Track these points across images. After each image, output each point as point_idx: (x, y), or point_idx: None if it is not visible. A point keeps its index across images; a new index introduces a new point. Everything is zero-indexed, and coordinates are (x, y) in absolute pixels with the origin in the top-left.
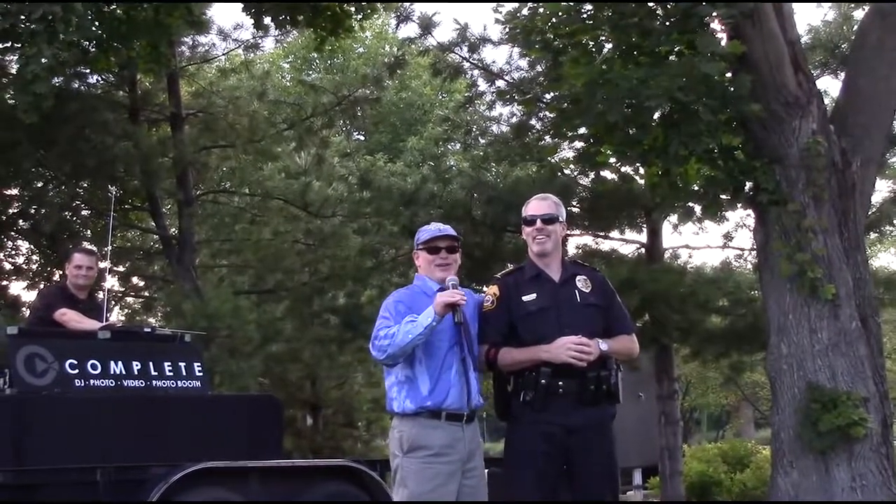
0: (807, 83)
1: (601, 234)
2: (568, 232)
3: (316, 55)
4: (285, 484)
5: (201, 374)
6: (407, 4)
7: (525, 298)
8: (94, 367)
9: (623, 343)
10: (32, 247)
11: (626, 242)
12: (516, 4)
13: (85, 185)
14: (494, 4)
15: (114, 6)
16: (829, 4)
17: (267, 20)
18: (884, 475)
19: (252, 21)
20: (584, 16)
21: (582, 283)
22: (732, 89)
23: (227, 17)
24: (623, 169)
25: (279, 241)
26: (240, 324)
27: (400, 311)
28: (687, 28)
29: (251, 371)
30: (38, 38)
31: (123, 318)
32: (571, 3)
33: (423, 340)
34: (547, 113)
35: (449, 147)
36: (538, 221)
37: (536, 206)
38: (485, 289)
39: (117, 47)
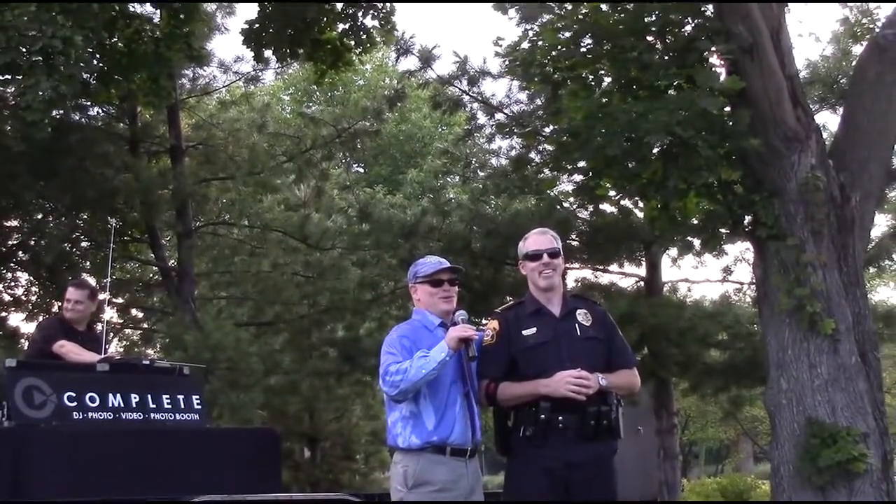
0: (805, 118)
1: (600, 267)
2: (567, 265)
3: (316, 87)
4: None
5: (200, 406)
6: (407, 37)
7: (525, 333)
8: (92, 399)
9: (624, 377)
10: (32, 278)
11: (625, 276)
12: (516, 38)
13: (85, 216)
14: (494, 38)
15: (114, 39)
16: (828, 39)
17: (267, 53)
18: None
19: (252, 54)
20: (584, 49)
21: (582, 316)
22: (731, 124)
23: (228, 50)
24: (622, 202)
25: (278, 273)
26: (241, 356)
27: (405, 347)
28: (686, 63)
29: (253, 404)
30: (38, 71)
31: (122, 350)
32: (570, 37)
33: (436, 375)
34: (546, 146)
35: (448, 180)
36: (545, 256)
37: (538, 240)
38: (484, 321)
39: (118, 80)
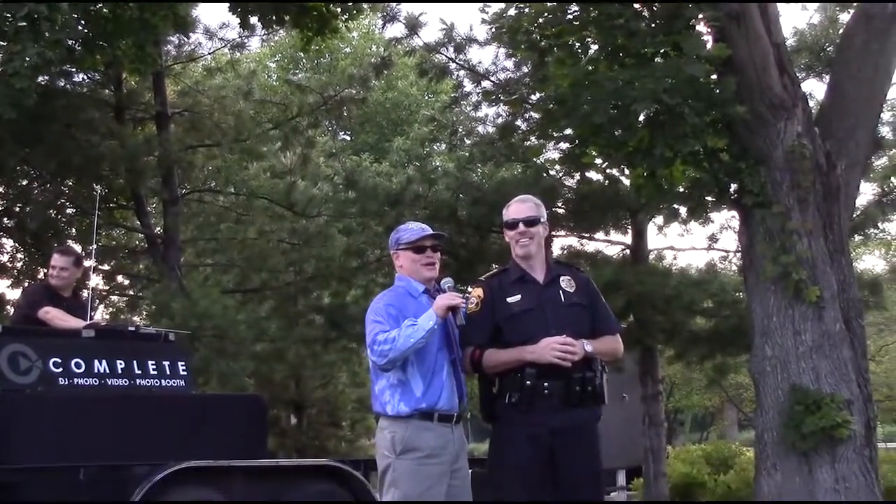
0: (792, 86)
1: (586, 235)
2: (553, 233)
3: (302, 55)
4: (269, 483)
5: (185, 373)
6: (393, 5)
7: (509, 300)
8: (78, 365)
9: (607, 343)
10: (17, 245)
11: (610, 244)
12: (502, 5)
13: (70, 183)
14: (481, 5)
15: (100, 5)
16: (815, 7)
17: (253, 20)
18: (867, 477)
19: (238, 20)
20: (570, 16)
21: (566, 283)
22: (718, 91)
23: (214, 17)
24: (608, 170)
25: (264, 240)
26: (228, 323)
27: (391, 315)
28: (673, 30)
29: (243, 371)
30: (23, 37)
31: (108, 317)
32: (557, 4)
33: (424, 343)
34: (532, 114)
35: (434, 147)
36: (521, 225)
37: (517, 208)
38: (469, 289)
39: (103, 46)
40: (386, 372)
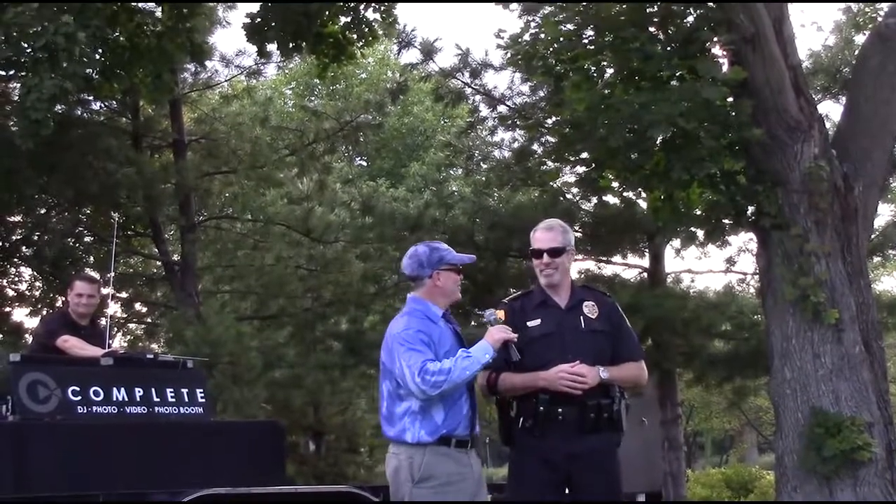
0: (808, 107)
1: (603, 258)
2: None
3: (318, 81)
4: None
5: (204, 400)
6: (409, 30)
7: (530, 324)
8: (96, 393)
9: (629, 371)
10: (35, 273)
11: (628, 267)
12: (517, 30)
13: (87, 211)
14: (496, 30)
15: (117, 34)
16: (831, 28)
17: (269, 47)
18: (889, 501)
19: (255, 48)
20: (586, 41)
21: (589, 308)
22: (734, 114)
23: (230, 44)
24: (625, 193)
25: (281, 266)
26: (242, 350)
27: (424, 342)
28: (688, 53)
29: (256, 399)
30: (40, 68)
31: (126, 345)
32: (573, 29)
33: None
34: (549, 138)
35: (451, 172)
36: (545, 256)
37: (543, 237)
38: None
39: (120, 74)
40: (404, 397)
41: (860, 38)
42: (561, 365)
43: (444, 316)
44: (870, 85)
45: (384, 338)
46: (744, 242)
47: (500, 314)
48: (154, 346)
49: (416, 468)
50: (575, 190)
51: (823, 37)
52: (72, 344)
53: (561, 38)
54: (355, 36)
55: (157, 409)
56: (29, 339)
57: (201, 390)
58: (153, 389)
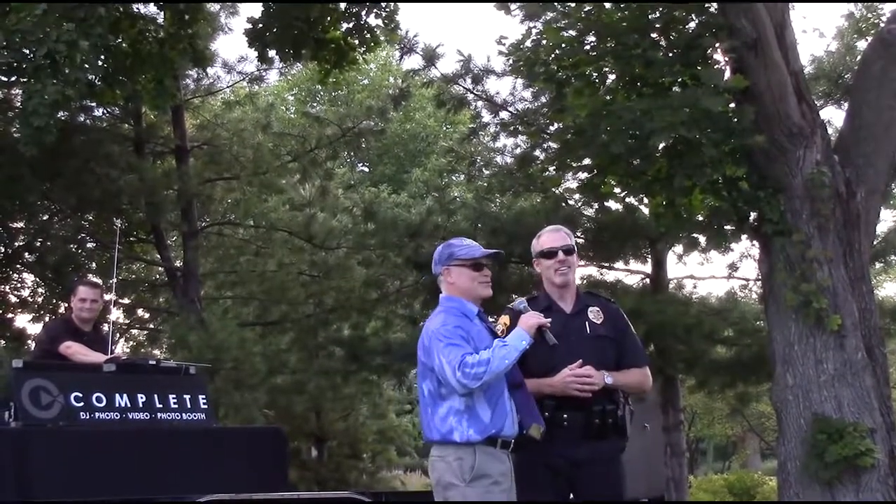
0: (810, 113)
1: (605, 264)
2: None
3: (320, 87)
4: None
5: (206, 406)
6: (411, 36)
7: None
8: (99, 399)
9: (633, 377)
10: (37, 279)
11: (630, 273)
12: (519, 36)
13: (90, 217)
14: (498, 36)
15: (119, 40)
16: (833, 34)
17: (271, 53)
18: None
19: (256, 54)
20: (588, 47)
21: (594, 314)
22: (736, 120)
23: (232, 50)
24: (627, 199)
25: (284, 272)
26: (245, 356)
27: (462, 337)
28: (690, 60)
29: (256, 403)
30: (42, 75)
31: (128, 351)
32: (574, 35)
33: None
34: (551, 144)
35: (453, 178)
36: (560, 253)
37: (553, 237)
38: (491, 319)
39: (122, 81)
40: (464, 396)
41: (862, 44)
42: (565, 369)
43: (478, 314)
44: (872, 91)
45: (420, 337)
46: (746, 248)
47: (505, 319)
48: (156, 352)
49: (466, 468)
50: (577, 196)
51: (825, 42)
52: (74, 350)
53: (563, 45)
54: (357, 42)
55: (159, 415)
56: (31, 345)
57: (203, 396)
58: (155, 395)
